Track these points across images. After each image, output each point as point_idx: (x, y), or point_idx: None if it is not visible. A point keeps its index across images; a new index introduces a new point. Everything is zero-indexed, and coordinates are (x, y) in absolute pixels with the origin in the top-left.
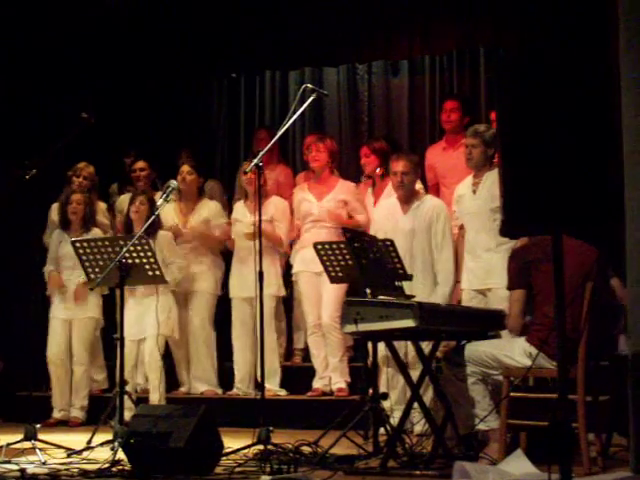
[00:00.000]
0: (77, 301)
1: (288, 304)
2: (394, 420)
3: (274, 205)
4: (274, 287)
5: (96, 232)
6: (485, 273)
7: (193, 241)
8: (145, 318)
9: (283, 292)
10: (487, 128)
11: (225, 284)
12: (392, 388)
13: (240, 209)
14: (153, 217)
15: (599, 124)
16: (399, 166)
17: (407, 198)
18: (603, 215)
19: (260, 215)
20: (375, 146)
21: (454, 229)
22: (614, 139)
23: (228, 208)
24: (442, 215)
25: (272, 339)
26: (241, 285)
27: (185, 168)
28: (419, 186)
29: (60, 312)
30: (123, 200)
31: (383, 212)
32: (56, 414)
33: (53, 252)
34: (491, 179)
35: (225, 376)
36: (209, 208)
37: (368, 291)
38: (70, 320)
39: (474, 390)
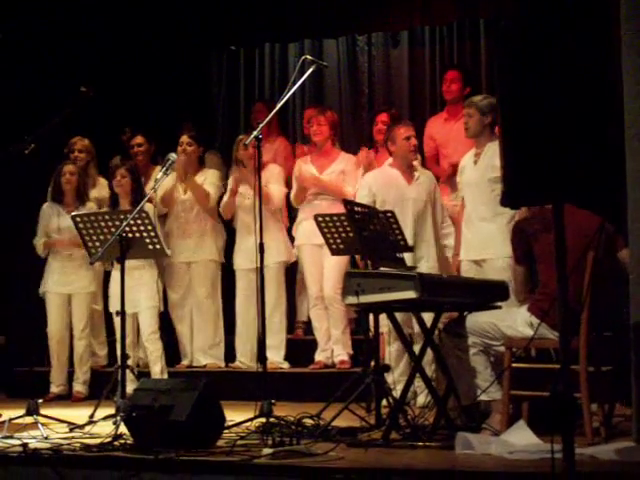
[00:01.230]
0: (57, 246)
1: (291, 277)
2: (397, 392)
3: (269, 171)
4: (282, 254)
5: (91, 207)
6: (481, 243)
7: (194, 210)
8: (137, 291)
9: (293, 258)
10: (483, 97)
11: (229, 256)
12: (396, 361)
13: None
14: (152, 191)
15: (599, 92)
16: (412, 130)
17: (410, 167)
18: (604, 183)
19: (260, 188)
20: (394, 114)
21: (458, 200)
22: (615, 106)
23: (225, 179)
24: (437, 185)
25: (280, 311)
26: (245, 256)
27: (185, 139)
28: (416, 162)
29: (58, 287)
30: None
31: (383, 180)
32: (54, 389)
33: (44, 225)
34: (492, 150)
35: (228, 349)
36: (206, 174)
37: (358, 258)
38: (69, 295)
39: (475, 361)
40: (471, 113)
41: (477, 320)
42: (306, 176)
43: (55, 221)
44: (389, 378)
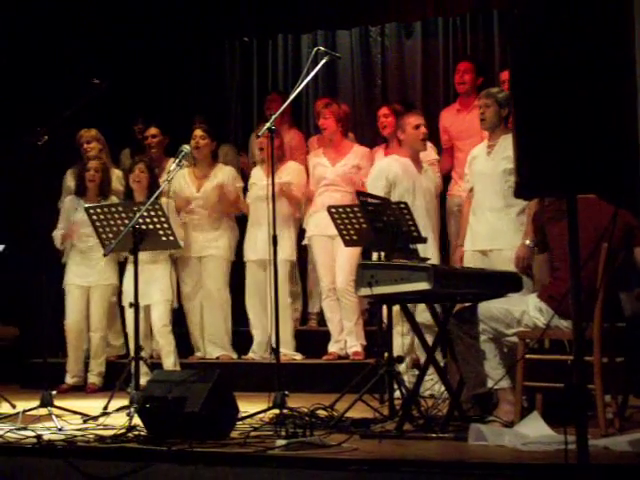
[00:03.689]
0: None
1: (303, 268)
2: (409, 383)
3: (291, 170)
4: (288, 251)
5: (113, 200)
6: (491, 234)
7: (208, 207)
8: (150, 285)
9: (294, 257)
10: (500, 90)
11: (240, 248)
12: (408, 352)
13: (256, 173)
14: (165, 184)
15: (614, 81)
16: (421, 119)
17: (418, 157)
18: (619, 174)
19: (273, 179)
20: (396, 107)
21: (464, 193)
22: (630, 95)
23: (242, 172)
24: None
25: (285, 303)
26: (255, 248)
27: (198, 132)
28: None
29: (78, 279)
30: None
31: (399, 168)
32: (69, 380)
33: (65, 218)
34: (507, 142)
35: (240, 341)
36: (223, 173)
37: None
38: (88, 287)
39: (485, 348)
40: (489, 104)
41: (489, 307)
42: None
43: (73, 215)
44: (401, 369)
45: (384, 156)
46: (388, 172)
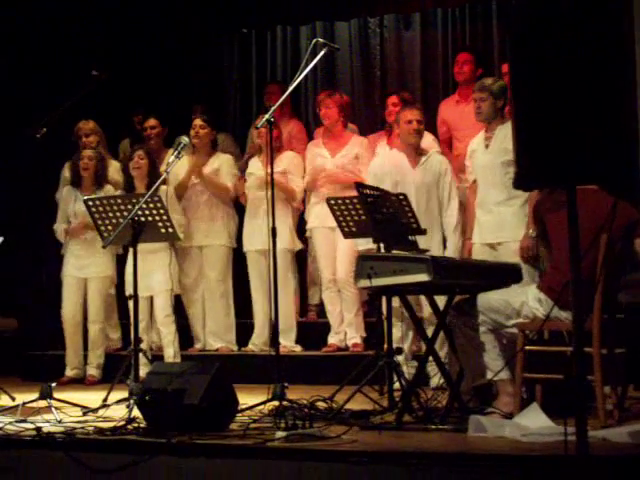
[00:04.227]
0: (72, 234)
1: (302, 260)
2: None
3: (288, 159)
4: (287, 241)
5: (109, 189)
6: (496, 227)
7: (205, 193)
8: (152, 275)
9: (299, 245)
10: (494, 80)
11: (240, 238)
12: (400, 343)
13: (254, 163)
14: (165, 175)
15: (613, 71)
16: (415, 115)
17: (416, 150)
18: (619, 165)
19: (272, 169)
20: (405, 96)
21: (467, 183)
22: (630, 86)
23: (240, 160)
24: (449, 169)
25: (288, 295)
26: (254, 238)
27: (198, 122)
28: (428, 143)
29: (75, 271)
30: None
31: (389, 162)
32: (69, 372)
33: (64, 209)
34: (503, 133)
35: (242, 333)
36: (220, 160)
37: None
38: (85, 279)
39: (484, 339)
40: (484, 97)
41: (488, 298)
42: (321, 174)
43: (72, 206)
44: (400, 360)
45: (386, 144)
46: (377, 171)
